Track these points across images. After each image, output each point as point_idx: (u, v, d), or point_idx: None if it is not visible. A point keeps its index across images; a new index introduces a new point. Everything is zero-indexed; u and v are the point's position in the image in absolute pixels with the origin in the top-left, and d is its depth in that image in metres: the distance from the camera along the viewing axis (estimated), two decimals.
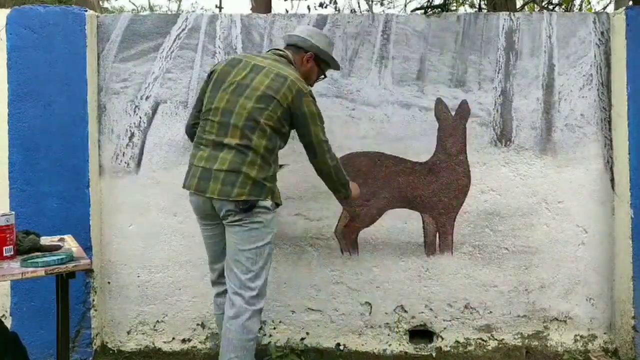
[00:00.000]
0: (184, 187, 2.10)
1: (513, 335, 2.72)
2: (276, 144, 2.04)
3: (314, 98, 2.07)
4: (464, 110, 2.69)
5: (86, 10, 2.63)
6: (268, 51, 2.23)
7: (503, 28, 2.69)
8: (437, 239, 2.72)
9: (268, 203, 1.99)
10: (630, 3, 4.32)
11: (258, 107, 1.97)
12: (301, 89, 2.02)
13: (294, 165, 2.62)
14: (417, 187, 2.71)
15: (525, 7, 6.14)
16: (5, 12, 2.57)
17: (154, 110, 2.71)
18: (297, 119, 2.03)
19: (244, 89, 2.00)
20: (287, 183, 2.68)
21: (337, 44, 2.70)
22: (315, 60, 2.21)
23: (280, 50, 2.18)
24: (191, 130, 2.20)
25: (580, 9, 5.96)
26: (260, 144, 1.96)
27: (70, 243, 2.08)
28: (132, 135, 2.70)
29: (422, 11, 2.91)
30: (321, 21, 2.71)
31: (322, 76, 2.31)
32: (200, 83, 2.69)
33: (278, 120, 1.99)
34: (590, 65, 2.68)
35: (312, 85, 2.23)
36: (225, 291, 2.12)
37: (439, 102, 2.69)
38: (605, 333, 2.71)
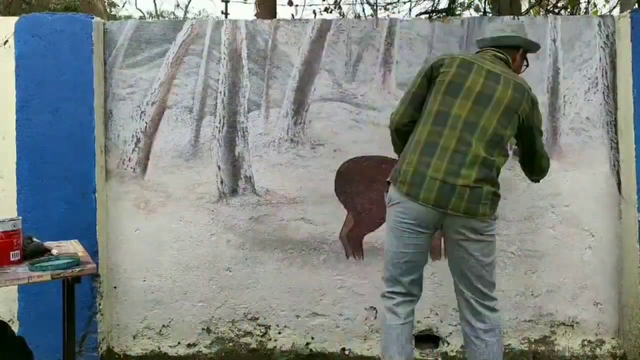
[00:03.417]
0: (407, 194, 1.90)
1: (519, 340, 2.70)
2: None
3: None
4: None
5: (93, 17, 2.66)
6: (481, 51, 2.12)
7: None
8: (442, 243, 2.70)
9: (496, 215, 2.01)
10: (636, 6, 4.31)
11: (501, 123, 1.91)
12: (535, 100, 2.02)
13: (298, 169, 2.63)
14: None
15: (530, 10, 6.13)
16: (14, 20, 2.61)
17: (160, 116, 2.73)
18: (526, 129, 2.00)
19: (488, 100, 1.92)
20: (292, 187, 2.69)
21: (341, 49, 2.71)
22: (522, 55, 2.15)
23: (500, 53, 2.06)
24: (405, 129, 2.04)
25: (586, 12, 5.94)
26: (500, 161, 1.95)
27: (76, 248, 2.09)
28: (138, 140, 2.73)
29: (427, 16, 2.92)
30: (325, 26, 2.72)
31: (526, 65, 2.22)
32: (206, 88, 2.72)
33: (512, 134, 1.98)
34: (596, 69, 2.67)
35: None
36: (403, 302, 2.01)
37: None
38: (613, 338, 2.69)
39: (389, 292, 2.03)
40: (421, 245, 1.97)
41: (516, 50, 2.10)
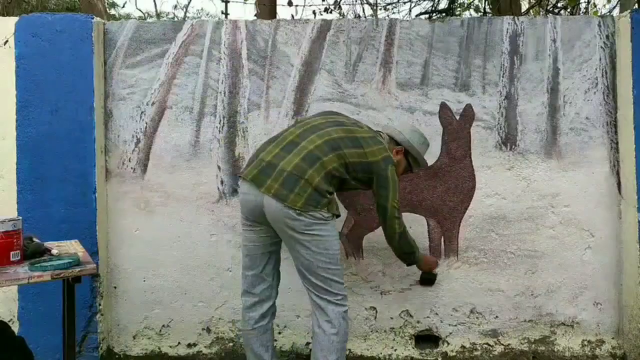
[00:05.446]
0: None
1: (519, 340, 2.70)
2: None
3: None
4: (468, 114, 2.69)
5: (93, 18, 2.66)
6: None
7: (507, 32, 2.69)
8: (442, 243, 2.71)
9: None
10: (636, 6, 4.31)
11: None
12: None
13: None
14: (421, 191, 2.70)
15: (530, 10, 6.14)
16: (14, 20, 2.61)
17: (160, 116, 2.73)
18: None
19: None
20: None
21: (341, 49, 2.71)
22: (404, 155, 2.27)
23: (380, 134, 2.26)
24: None
25: (586, 12, 5.94)
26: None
27: (76, 248, 2.09)
28: (138, 140, 2.73)
29: (427, 16, 2.92)
30: (325, 26, 2.73)
31: (409, 171, 2.37)
32: (206, 89, 2.72)
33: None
34: (596, 69, 2.68)
35: (397, 178, 2.23)
36: (255, 304, 2.17)
37: (444, 106, 2.69)
38: (613, 338, 2.69)
39: (241, 295, 2.22)
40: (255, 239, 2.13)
41: (394, 144, 2.26)
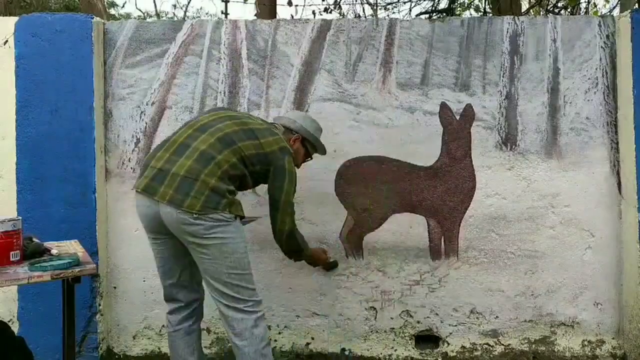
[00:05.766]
0: None
1: (520, 340, 2.70)
2: None
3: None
4: (468, 114, 2.69)
5: (93, 17, 2.66)
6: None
7: (507, 32, 2.69)
8: (443, 243, 2.71)
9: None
10: (636, 6, 4.31)
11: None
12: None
13: (300, 172, 2.62)
14: (422, 191, 2.70)
15: (530, 10, 6.14)
16: (14, 20, 2.61)
17: (160, 116, 2.73)
18: None
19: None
20: None
21: (341, 49, 2.71)
22: (302, 143, 2.25)
23: (275, 125, 2.23)
24: None
25: (586, 12, 5.94)
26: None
27: (76, 248, 2.09)
28: (138, 140, 2.72)
29: (427, 16, 2.92)
30: (325, 26, 2.72)
31: (309, 158, 2.35)
32: (206, 88, 2.72)
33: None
34: (596, 69, 2.67)
35: (298, 167, 2.22)
36: (179, 308, 2.11)
37: (444, 106, 2.69)
38: (613, 338, 2.69)
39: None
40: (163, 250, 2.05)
41: (291, 133, 2.23)
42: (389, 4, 7.17)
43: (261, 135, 2.03)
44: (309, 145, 2.29)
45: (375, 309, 2.72)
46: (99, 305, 2.63)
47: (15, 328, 2.55)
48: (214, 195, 1.87)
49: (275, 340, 2.72)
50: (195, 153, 1.92)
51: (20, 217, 1.92)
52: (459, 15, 6.36)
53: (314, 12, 6.29)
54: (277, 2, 5.23)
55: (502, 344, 2.70)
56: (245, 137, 1.99)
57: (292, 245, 2.15)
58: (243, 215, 2.00)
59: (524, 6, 6.28)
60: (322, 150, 2.36)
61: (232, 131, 1.99)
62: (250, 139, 2.00)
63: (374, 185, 2.69)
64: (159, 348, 2.74)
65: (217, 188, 1.88)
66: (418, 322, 2.72)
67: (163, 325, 2.73)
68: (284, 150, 2.06)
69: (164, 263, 2.07)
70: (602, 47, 2.67)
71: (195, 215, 1.83)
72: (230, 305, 1.93)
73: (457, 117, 2.69)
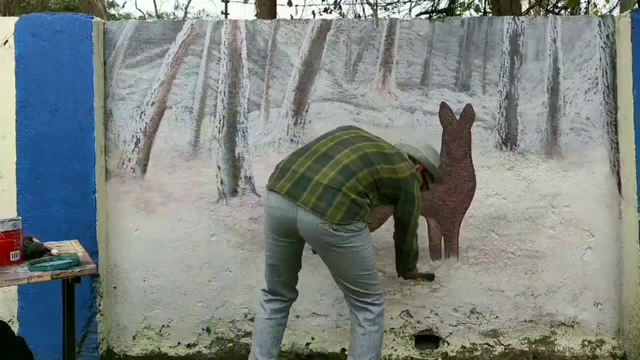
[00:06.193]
0: None
1: (520, 340, 2.70)
2: None
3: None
4: (468, 114, 2.69)
5: (93, 18, 2.66)
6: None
7: (507, 32, 2.69)
8: (442, 243, 2.71)
9: None
10: (636, 6, 4.31)
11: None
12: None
13: None
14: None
15: (530, 10, 6.14)
16: (14, 20, 2.61)
17: (160, 116, 2.73)
18: None
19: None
20: None
21: (341, 49, 2.71)
22: (422, 172, 2.29)
23: (400, 151, 2.25)
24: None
25: (586, 12, 5.94)
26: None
27: (76, 248, 2.09)
28: (138, 140, 2.72)
29: (427, 16, 2.92)
30: (325, 26, 2.72)
31: (426, 188, 2.38)
32: (206, 88, 2.72)
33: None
34: (596, 69, 2.67)
35: None
36: (275, 300, 2.21)
37: (444, 106, 2.69)
38: (613, 338, 2.69)
39: (262, 289, 2.25)
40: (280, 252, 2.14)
41: (412, 161, 2.25)
42: (389, 4, 7.17)
43: (394, 161, 2.10)
44: (428, 175, 2.33)
45: None
46: (99, 305, 2.63)
47: (15, 328, 2.55)
48: (354, 206, 1.96)
49: None
50: (338, 165, 2.00)
51: (20, 217, 1.92)
52: (459, 15, 6.37)
53: (313, 12, 6.29)
54: (277, 2, 5.23)
55: (502, 344, 2.70)
56: (382, 161, 2.07)
57: (414, 263, 2.31)
58: (371, 221, 2.10)
59: (524, 6, 6.29)
60: (440, 181, 2.41)
61: (371, 152, 2.07)
62: (386, 163, 2.07)
63: None
64: (159, 348, 2.74)
65: (357, 201, 1.97)
66: (418, 322, 2.72)
67: (163, 325, 2.74)
68: (414, 177, 2.14)
69: (278, 263, 2.16)
70: (602, 47, 2.67)
71: (335, 227, 1.94)
72: (362, 300, 2.09)
73: (457, 117, 2.69)
